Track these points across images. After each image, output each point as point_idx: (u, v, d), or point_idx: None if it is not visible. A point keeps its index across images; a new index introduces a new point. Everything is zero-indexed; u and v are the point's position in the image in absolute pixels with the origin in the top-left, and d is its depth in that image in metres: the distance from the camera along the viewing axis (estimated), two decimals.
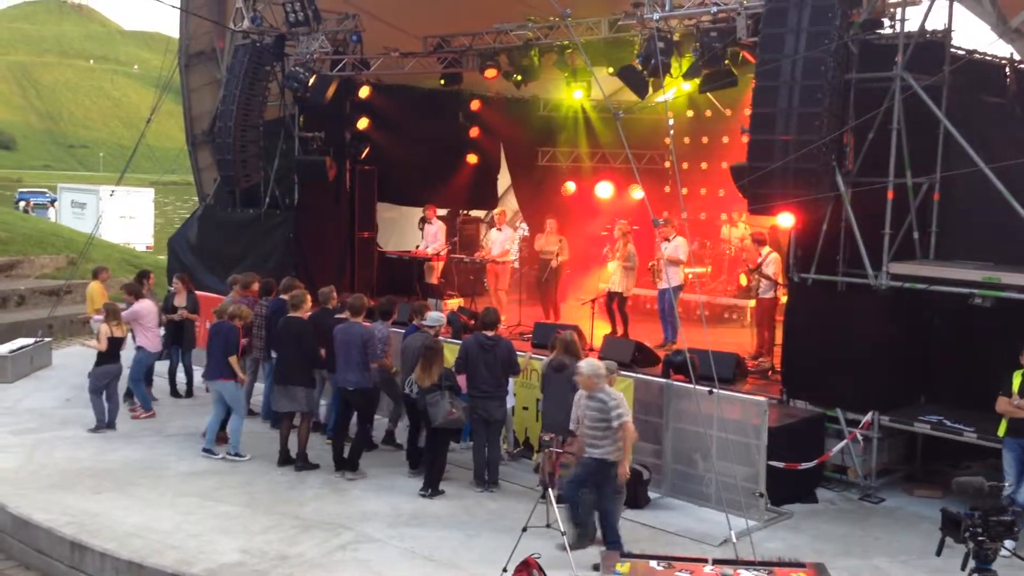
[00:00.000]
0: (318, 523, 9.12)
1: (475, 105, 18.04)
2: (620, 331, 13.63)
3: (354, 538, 8.81)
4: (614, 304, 13.78)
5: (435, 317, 10.90)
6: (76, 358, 15.43)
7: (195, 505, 9.50)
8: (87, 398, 12.07)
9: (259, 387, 12.63)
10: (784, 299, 12.27)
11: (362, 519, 9.27)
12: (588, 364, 8.34)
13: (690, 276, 13.86)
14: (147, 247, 34.83)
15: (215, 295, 13.64)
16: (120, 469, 10.57)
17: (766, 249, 12.90)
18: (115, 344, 11.83)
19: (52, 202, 43.25)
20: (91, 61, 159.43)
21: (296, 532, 8.92)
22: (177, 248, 17.40)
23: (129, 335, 12.47)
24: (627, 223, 14.25)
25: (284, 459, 10.77)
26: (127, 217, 34.97)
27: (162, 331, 13.13)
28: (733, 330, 14.51)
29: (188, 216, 19.56)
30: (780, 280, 12.47)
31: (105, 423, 11.91)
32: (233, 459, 10.88)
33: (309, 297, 11.24)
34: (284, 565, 8.21)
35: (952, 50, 10.19)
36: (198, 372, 12.95)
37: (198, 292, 14.27)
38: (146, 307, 12.59)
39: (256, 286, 12.78)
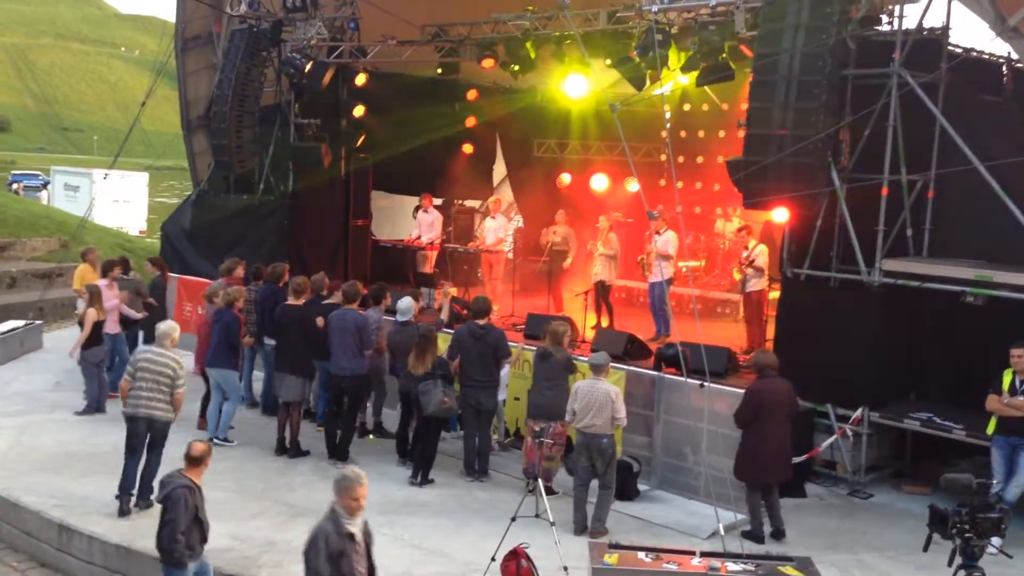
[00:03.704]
0: (308, 510, 9.09)
1: (472, 95, 17.98)
2: (606, 321, 13.66)
3: None
4: (600, 294, 13.84)
5: (405, 307, 10.79)
6: (67, 341, 15.32)
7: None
8: (77, 381, 12.05)
9: (257, 374, 12.60)
10: (773, 294, 12.31)
11: None
12: (163, 323, 9.26)
13: (683, 270, 13.87)
14: (140, 231, 34.72)
15: (207, 280, 13.59)
16: (109, 452, 10.51)
17: (753, 241, 12.93)
18: (98, 326, 11.82)
19: (45, 185, 43.10)
20: (86, 44, 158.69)
21: (285, 519, 8.92)
22: (170, 233, 17.34)
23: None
24: (609, 216, 14.26)
25: (281, 448, 10.77)
26: (120, 201, 34.83)
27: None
28: (726, 324, 14.52)
29: (182, 201, 19.48)
30: (766, 272, 12.52)
31: (95, 406, 11.89)
32: (220, 444, 10.88)
33: (309, 284, 11.23)
34: (273, 551, 8.22)
35: (950, 48, 10.19)
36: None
37: (188, 277, 14.25)
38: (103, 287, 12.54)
39: (240, 271, 12.74)
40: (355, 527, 5.71)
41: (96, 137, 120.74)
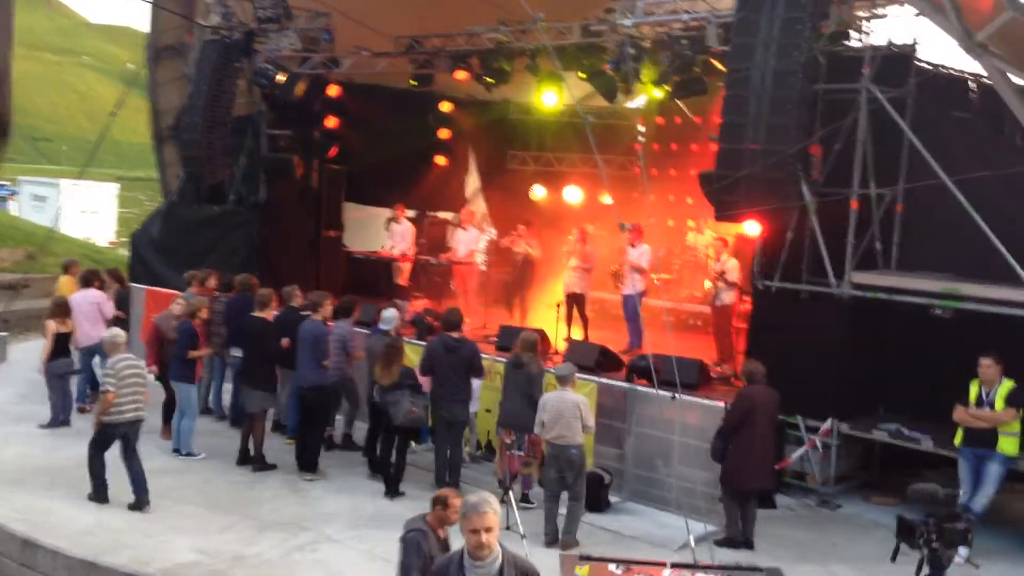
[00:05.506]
0: (276, 523, 9.01)
1: (446, 107, 17.99)
2: (581, 333, 13.68)
3: (313, 539, 8.72)
4: (574, 306, 13.85)
5: (389, 317, 10.79)
6: (32, 353, 15.12)
7: (151, 504, 9.35)
8: (42, 394, 11.86)
9: (226, 386, 12.48)
10: (745, 306, 12.38)
11: (321, 520, 9.18)
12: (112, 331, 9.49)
13: (656, 282, 13.92)
14: (109, 242, 34.33)
15: (175, 291, 13.45)
16: (74, 466, 10.33)
17: (725, 255, 13.01)
18: (62, 339, 11.65)
19: (12, 195, 42.49)
20: (57, 54, 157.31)
21: (254, 532, 8.81)
22: (140, 244, 17.16)
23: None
24: (580, 228, 14.34)
25: (243, 458, 10.67)
26: (88, 212, 34.45)
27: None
28: (697, 336, 14.57)
29: (152, 212, 19.29)
30: (737, 285, 12.61)
31: (59, 419, 11.71)
32: (185, 458, 10.77)
33: (276, 297, 11.19)
34: (241, 565, 8.11)
35: (918, 63, 10.32)
36: None
37: (157, 288, 14.12)
38: (76, 299, 12.37)
39: (213, 282, 12.66)
40: (478, 571, 4.66)
41: (65, 147, 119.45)
